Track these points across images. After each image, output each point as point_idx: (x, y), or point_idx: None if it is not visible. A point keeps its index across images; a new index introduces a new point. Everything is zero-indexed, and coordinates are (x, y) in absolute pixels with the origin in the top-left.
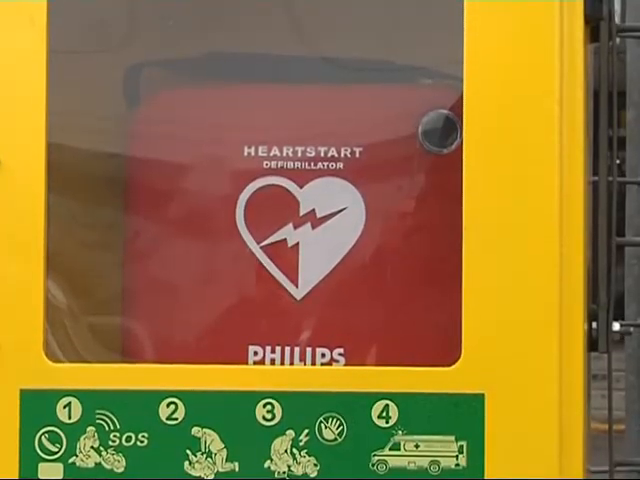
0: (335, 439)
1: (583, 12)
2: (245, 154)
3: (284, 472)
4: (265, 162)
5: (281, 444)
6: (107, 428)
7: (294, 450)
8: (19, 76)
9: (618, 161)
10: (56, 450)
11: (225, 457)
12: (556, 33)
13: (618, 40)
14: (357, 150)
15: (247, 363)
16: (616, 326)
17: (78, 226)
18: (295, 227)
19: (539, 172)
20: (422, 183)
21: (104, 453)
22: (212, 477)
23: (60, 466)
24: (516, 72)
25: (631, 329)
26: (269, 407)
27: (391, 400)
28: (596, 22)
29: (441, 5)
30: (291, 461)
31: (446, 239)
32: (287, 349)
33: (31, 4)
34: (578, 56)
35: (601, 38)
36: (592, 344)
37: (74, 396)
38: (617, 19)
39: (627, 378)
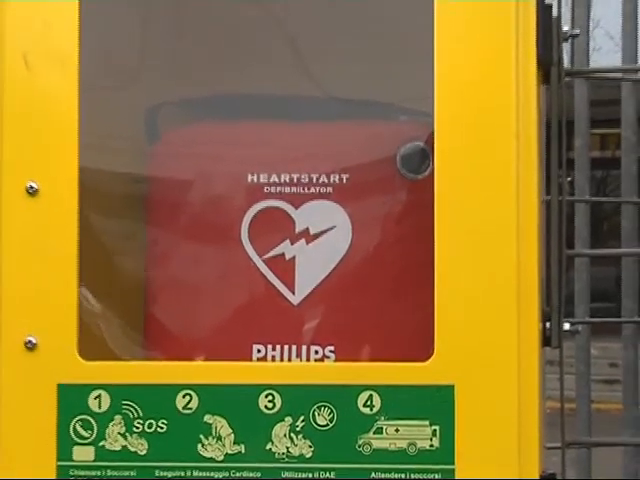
0: (327, 424)
1: (536, 59)
2: (249, 180)
3: (283, 453)
4: (265, 187)
5: (281, 429)
6: (131, 416)
7: (292, 434)
8: (54, 111)
9: (569, 179)
10: (88, 435)
11: (233, 440)
12: (513, 77)
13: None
14: (344, 176)
15: (251, 359)
16: (566, 325)
17: (107, 240)
18: (292, 243)
19: (499, 193)
20: (400, 204)
21: (129, 438)
22: (222, 457)
23: (92, 449)
24: (480, 110)
25: (579, 327)
26: (270, 397)
27: (374, 391)
28: (547, 67)
29: (416, 56)
30: (289, 443)
31: (421, 250)
32: (286, 347)
33: (63, 49)
34: (532, 96)
35: (552, 81)
36: (546, 341)
37: (103, 389)
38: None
39: (577, 367)
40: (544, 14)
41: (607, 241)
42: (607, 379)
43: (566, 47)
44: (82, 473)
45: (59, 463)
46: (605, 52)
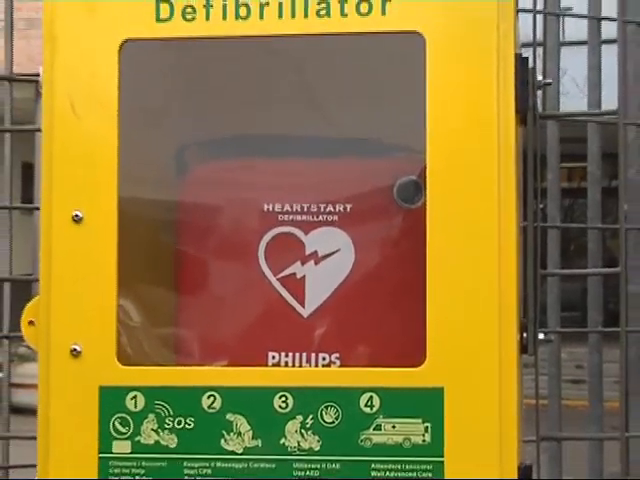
0: (333, 422)
1: (514, 105)
2: (265, 209)
3: (295, 446)
4: (279, 215)
5: (292, 426)
6: (163, 414)
7: (302, 430)
8: (96, 149)
9: (542, 206)
10: (125, 431)
11: (251, 436)
12: (495, 121)
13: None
14: (348, 206)
15: (267, 365)
16: (541, 335)
17: (141, 260)
18: (302, 264)
19: (483, 220)
20: (396, 229)
21: (161, 433)
22: (241, 451)
23: (128, 443)
24: (466, 148)
25: (552, 336)
26: (283, 398)
27: (374, 392)
28: (524, 111)
29: (412, 102)
30: (300, 438)
31: (415, 269)
32: (297, 354)
33: (105, 95)
34: (511, 136)
35: (528, 123)
36: (523, 348)
37: (139, 391)
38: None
39: (549, 369)
40: (521, 66)
41: (574, 260)
42: (574, 379)
43: (539, 93)
44: (120, 464)
45: (100, 455)
46: (572, 97)
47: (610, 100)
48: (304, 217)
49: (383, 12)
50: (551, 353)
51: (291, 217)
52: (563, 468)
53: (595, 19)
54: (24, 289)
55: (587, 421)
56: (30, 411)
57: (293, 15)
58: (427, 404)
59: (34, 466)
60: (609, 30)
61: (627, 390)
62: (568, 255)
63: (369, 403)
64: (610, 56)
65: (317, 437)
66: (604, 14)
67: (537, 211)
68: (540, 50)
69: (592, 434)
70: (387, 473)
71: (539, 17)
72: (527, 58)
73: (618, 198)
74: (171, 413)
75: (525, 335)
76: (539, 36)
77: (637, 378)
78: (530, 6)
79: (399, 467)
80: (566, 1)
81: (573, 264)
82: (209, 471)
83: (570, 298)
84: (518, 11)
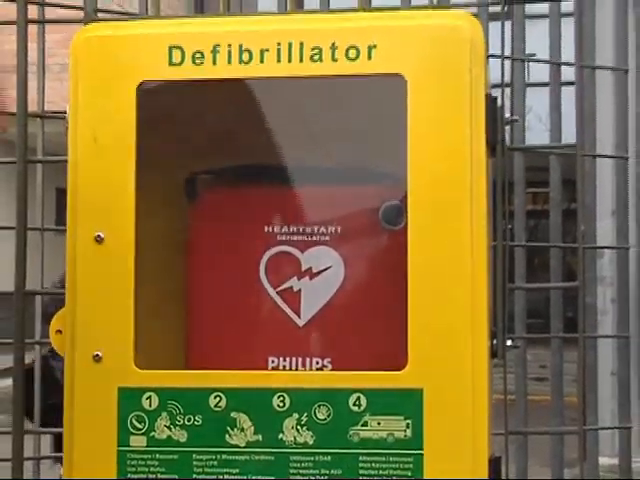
0: (325, 419)
1: (485, 139)
2: (265, 230)
3: (291, 441)
4: (278, 236)
5: (289, 422)
6: (174, 412)
7: (298, 427)
8: (116, 176)
9: (510, 227)
10: (141, 427)
11: (252, 431)
12: (468, 153)
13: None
14: (338, 228)
15: (267, 368)
16: (509, 342)
17: (156, 276)
18: (298, 279)
19: (457, 240)
20: (381, 249)
21: (173, 429)
22: (244, 444)
23: (144, 438)
24: (443, 177)
25: (519, 342)
26: (281, 398)
27: (362, 393)
28: (494, 145)
29: (396, 136)
30: (296, 434)
31: (398, 283)
32: (293, 359)
33: (124, 128)
34: (482, 167)
35: (497, 154)
36: (493, 354)
37: (153, 391)
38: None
39: (516, 369)
40: (491, 105)
41: (538, 273)
42: (538, 377)
43: (507, 128)
44: (137, 456)
45: (119, 448)
46: (536, 131)
47: (569, 134)
48: (300, 237)
49: (369, 57)
50: (518, 355)
51: (289, 237)
52: (529, 456)
53: (556, 64)
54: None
55: (550, 414)
56: None
57: (290, 60)
58: (408, 403)
59: None
60: (568, 73)
61: (584, 388)
62: (533, 269)
63: (357, 402)
64: (569, 96)
65: (311, 432)
66: (564, 59)
67: (505, 231)
68: (508, 90)
69: (554, 428)
70: (373, 464)
71: (507, 62)
72: (496, 97)
73: (576, 220)
74: (182, 411)
75: (495, 342)
76: (507, 78)
77: (592, 378)
78: (499, 52)
79: (383, 459)
80: (530, 47)
81: (537, 277)
82: (215, 463)
83: (534, 307)
84: (488, 57)
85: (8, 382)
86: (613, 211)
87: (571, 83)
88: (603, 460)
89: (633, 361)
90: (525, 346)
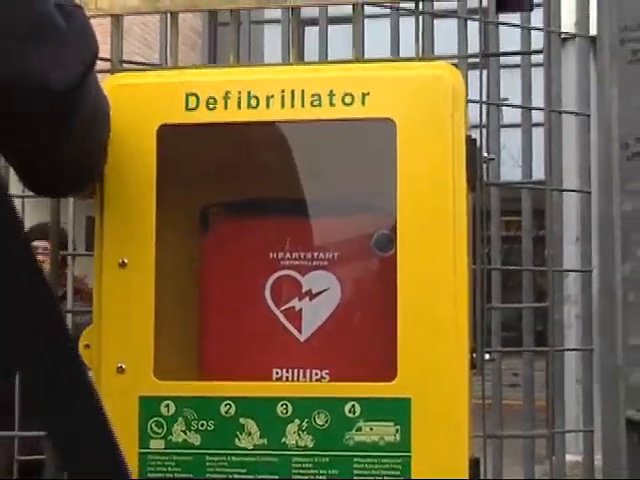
0: (323, 425)
1: (465, 176)
2: (270, 257)
3: (293, 444)
4: (282, 261)
5: (291, 428)
6: (189, 418)
7: (299, 431)
8: (138, 208)
9: (486, 250)
10: (160, 432)
11: (259, 435)
12: (450, 188)
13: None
14: (336, 254)
15: (272, 379)
16: (487, 356)
17: (172, 297)
18: (300, 299)
19: (441, 264)
20: (374, 272)
21: (188, 433)
22: (251, 447)
23: (162, 441)
24: (429, 209)
25: (495, 355)
26: (284, 405)
27: (356, 401)
28: (473, 181)
29: (388, 173)
30: (297, 438)
31: (389, 303)
32: (295, 371)
33: (143, 169)
34: (463, 200)
35: (476, 189)
36: (473, 366)
37: (171, 400)
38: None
39: (492, 377)
40: (471, 146)
41: (513, 291)
42: (512, 384)
43: (485, 166)
44: (156, 458)
45: (140, 450)
46: (509, 166)
47: (539, 169)
48: (301, 262)
49: (363, 103)
50: (494, 365)
51: (291, 262)
52: (504, 454)
53: (527, 108)
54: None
55: (522, 418)
56: None
57: (292, 105)
58: (397, 411)
59: None
60: (538, 116)
61: (553, 395)
62: (507, 287)
63: (352, 410)
64: (539, 136)
65: (311, 436)
66: (534, 104)
67: (483, 256)
68: (485, 131)
69: (527, 432)
70: (366, 465)
71: (484, 106)
72: (475, 139)
73: (545, 245)
74: (196, 417)
75: (474, 355)
76: (484, 120)
77: (560, 385)
78: (477, 97)
79: (375, 461)
80: (505, 93)
81: (511, 295)
82: (225, 463)
83: (509, 321)
84: (468, 102)
85: None
86: (577, 237)
87: (540, 124)
88: (569, 457)
89: (595, 370)
90: (500, 357)
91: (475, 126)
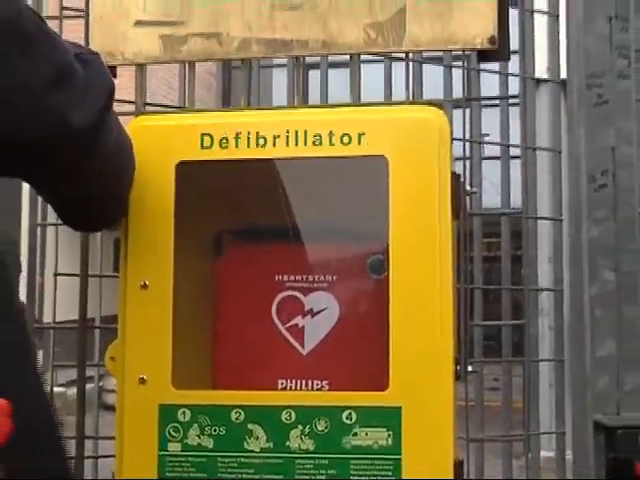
0: (323, 430)
1: (451, 207)
2: (276, 279)
3: (296, 447)
4: (286, 283)
5: (294, 433)
6: (203, 424)
7: (302, 436)
8: (159, 238)
9: (470, 268)
10: (177, 436)
11: (265, 440)
12: (437, 218)
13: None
14: (334, 277)
15: (277, 389)
16: (470, 367)
17: (189, 316)
18: (302, 317)
19: (428, 285)
20: (369, 293)
21: (202, 437)
22: (258, 450)
23: (179, 444)
24: (417, 237)
25: (477, 367)
26: (288, 413)
27: (353, 409)
28: (458, 211)
29: (380, 204)
30: (300, 442)
31: (382, 320)
32: (298, 381)
33: (162, 203)
34: (448, 228)
35: (460, 218)
36: (457, 376)
37: (187, 407)
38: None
39: (475, 384)
40: (455, 180)
41: (494, 304)
42: (492, 388)
43: (467, 197)
44: (173, 459)
45: (160, 452)
46: (489, 194)
47: (516, 197)
48: (304, 284)
49: (359, 142)
50: (477, 373)
51: (294, 284)
52: (485, 451)
53: (505, 145)
54: (110, 333)
55: (501, 419)
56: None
57: (296, 144)
58: (390, 418)
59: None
60: (516, 150)
61: (529, 400)
62: (489, 300)
63: (349, 417)
64: (516, 168)
65: (312, 441)
66: (512, 139)
67: (467, 277)
68: (468, 163)
69: (505, 434)
70: (361, 467)
71: (467, 142)
72: (459, 175)
73: (522, 264)
74: (209, 423)
75: (458, 367)
76: (467, 153)
77: (535, 389)
78: (460, 135)
79: (370, 463)
80: (486, 128)
81: (492, 308)
82: (235, 465)
83: (490, 332)
84: (452, 139)
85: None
86: (550, 258)
87: (517, 157)
88: (543, 453)
89: (566, 378)
90: (482, 365)
91: (459, 158)
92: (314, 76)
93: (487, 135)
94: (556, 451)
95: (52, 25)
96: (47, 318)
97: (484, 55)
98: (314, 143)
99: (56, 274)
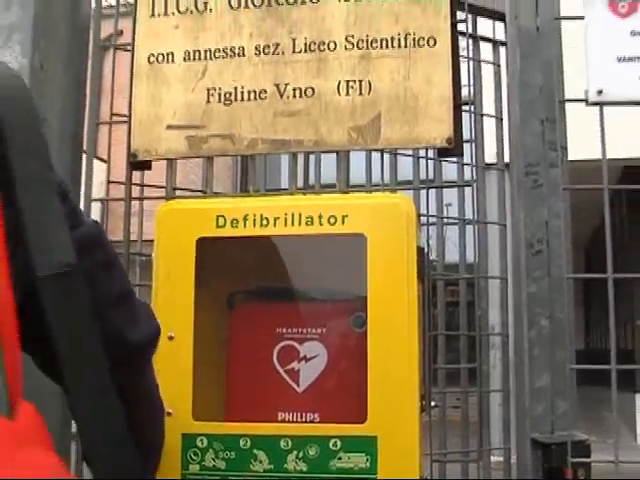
0: (314, 455)
1: (417, 275)
2: (277, 331)
3: (292, 469)
4: (285, 334)
5: (291, 457)
6: (217, 449)
7: (297, 459)
8: (182, 301)
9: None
10: (196, 459)
11: (267, 463)
12: (405, 282)
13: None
14: (324, 330)
15: (277, 421)
16: (433, 403)
17: (208, 361)
18: (298, 362)
19: (398, 336)
20: (351, 343)
21: (216, 460)
22: (262, 471)
23: (198, 466)
24: (388, 299)
25: (439, 402)
26: (286, 441)
27: (338, 438)
28: (421, 277)
29: (360, 271)
30: (295, 464)
31: (361, 365)
32: (295, 414)
33: (187, 268)
34: (414, 290)
35: (425, 282)
36: (422, 410)
37: (204, 436)
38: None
39: (439, 412)
40: (420, 252)
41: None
42: (454, 406)
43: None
44: (193, 478)
45: (183, 472)
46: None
47: (471, 255)
48: (299, 335)
49: (343, 222)
50: (440, 396)
51: (291, 335)
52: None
53: (462, 220)
54: None
55: (461, 431)
56: None
57: (293, 224)
58: (368, 445)
59: None
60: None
61: (482, 420)
62: (451, 337)
63: (335, 444)
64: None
65: (305, 464)
66: (467, 215)
67: (431, 324)
68: (432, 231)
69: (463, 450)
70: None
71: (432, 218)
72: (424, 248)
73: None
74: (222, 449)
75: (424, 402)
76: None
77: (487, 407)
78: (424, 212)
79: None
80: (447, 199)
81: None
82: None
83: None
84: (419, 217)
85: None
86: (499, 305)
87: (473, 222)
88: (494, 458)
89: (512, 403)
90: (444, 396)
91: (424, 224)
92: (313, 159)
93: (450, 205)
94: (504, 455)
95: (103, 129)
96: None
97: (443, 151)
98: (307, 223)
99: None
